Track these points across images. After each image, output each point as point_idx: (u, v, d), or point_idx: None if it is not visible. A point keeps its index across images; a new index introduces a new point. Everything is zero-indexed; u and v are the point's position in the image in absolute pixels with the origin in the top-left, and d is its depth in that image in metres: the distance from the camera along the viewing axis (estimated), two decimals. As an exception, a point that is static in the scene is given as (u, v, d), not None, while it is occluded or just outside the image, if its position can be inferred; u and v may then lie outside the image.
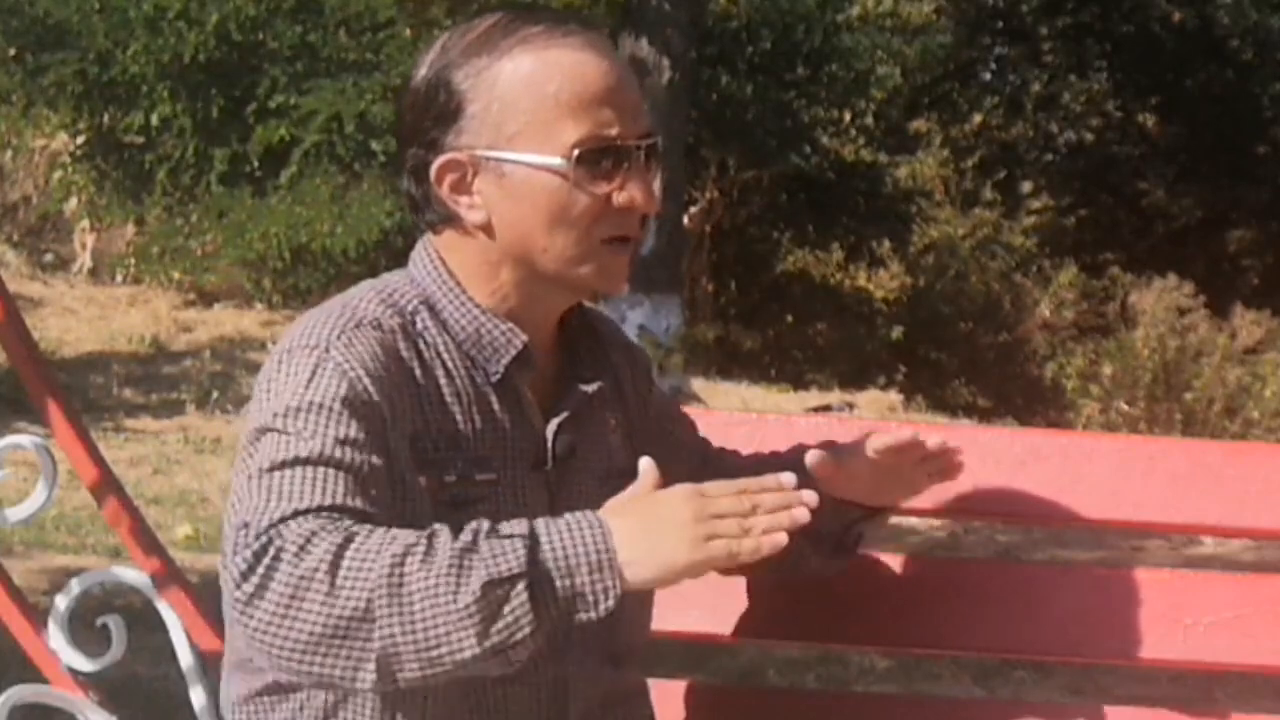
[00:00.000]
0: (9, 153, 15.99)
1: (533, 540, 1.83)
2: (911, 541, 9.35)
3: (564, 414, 2.11)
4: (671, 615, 2.37)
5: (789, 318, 17.14)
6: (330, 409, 1.94)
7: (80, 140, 14.19)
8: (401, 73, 12.33)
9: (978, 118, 19.73)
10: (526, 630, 1.80)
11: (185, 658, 2.91)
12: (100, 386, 12.53)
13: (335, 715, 2.05)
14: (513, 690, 2.05)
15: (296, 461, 1.90)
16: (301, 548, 1.82)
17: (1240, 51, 19.93)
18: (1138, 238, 19.01)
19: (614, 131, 2.03)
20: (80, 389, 12.05)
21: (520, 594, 1.80)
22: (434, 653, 1.81)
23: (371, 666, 1.81)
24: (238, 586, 1.83)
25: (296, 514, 1.86)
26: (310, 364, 1.98)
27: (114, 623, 2.86)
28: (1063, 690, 6.58)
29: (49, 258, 15.69)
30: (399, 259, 2.16)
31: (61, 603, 2.88)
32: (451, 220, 2.08)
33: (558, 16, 2.07)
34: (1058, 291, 18.27)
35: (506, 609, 1.80)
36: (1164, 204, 20.02)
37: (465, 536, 1.83)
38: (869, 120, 17.79)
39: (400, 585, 1.80)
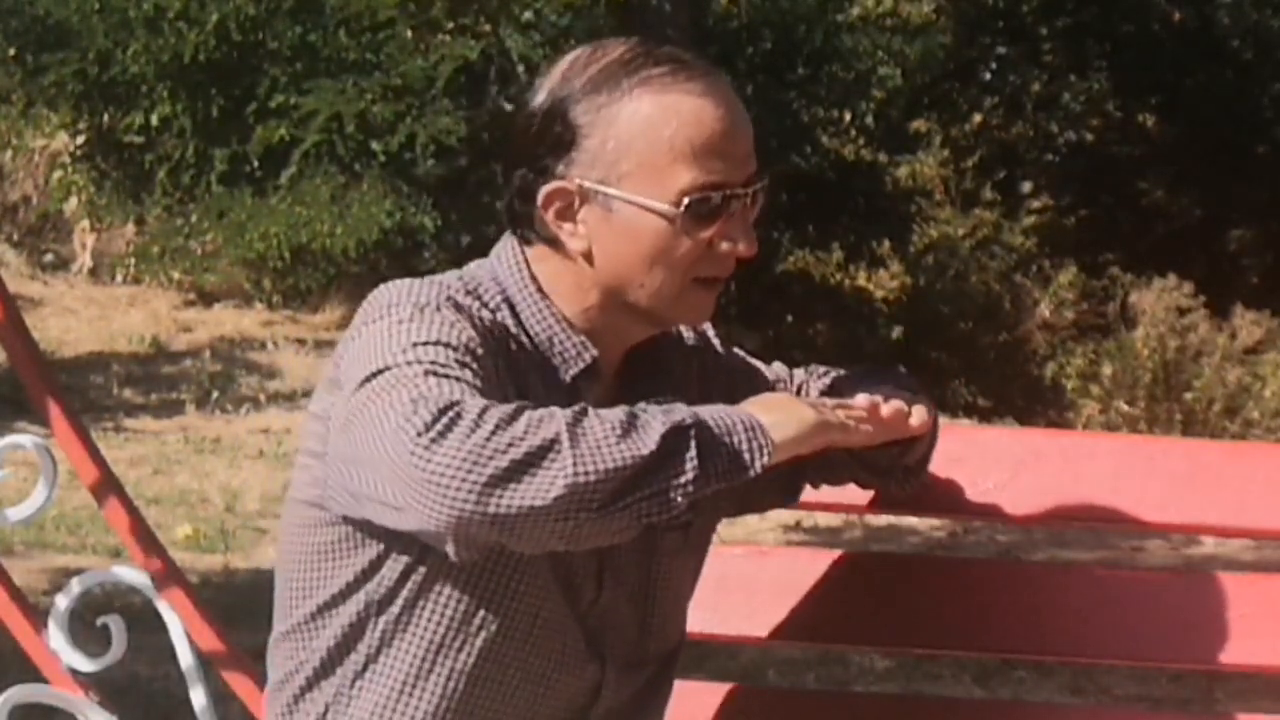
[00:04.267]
0: (9, 153, 15.97)
1: (693, 409, 1.97)
2: (911, 541, 9.34)
3: None
4: (671, 615, 2.36)
5: (789, 318, 17.09)
6: (454, 347, 1.99)
7: (80, 140, 14.16)
8: (402, 73, 12.30)
9: (978, 118, 19.69)
10: (690, 476, 1.91)
11: (185, 658, 2.91)
12: (100, 386, 12.53)
13: (410, 691, 2.08)
14: (562, 680, 2.11)
15: (445, 376, 1.95)
16: (482, 411, 1.89)
17: (1240, 51, 19.91)
18: (1138, 238, 18.98)
19: (724, 179, 2.06)
20: (80, 389, 12.05)
21: (692, 442, 1.93)
22: (614, 486, 1.89)
23: (561, 490, 1.87)
24: (419, 435, 1.87)
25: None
26: (424, 316, 2.02)
27: (114, 623, 2.87)
28: (1063, 690, 6.58)
29: (49, 258, 15.68)
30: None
31: (61, 603, 2.88)
32: (552, 242, 2.11)
33: (681, 57, 2.08)
34: (1058, 291, 18.23)
35: (687, 454, 1.92)
36: (1164, 204, 20.00)
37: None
38: (869, 120, 17.75)
39: (583, 430, 1.89)
